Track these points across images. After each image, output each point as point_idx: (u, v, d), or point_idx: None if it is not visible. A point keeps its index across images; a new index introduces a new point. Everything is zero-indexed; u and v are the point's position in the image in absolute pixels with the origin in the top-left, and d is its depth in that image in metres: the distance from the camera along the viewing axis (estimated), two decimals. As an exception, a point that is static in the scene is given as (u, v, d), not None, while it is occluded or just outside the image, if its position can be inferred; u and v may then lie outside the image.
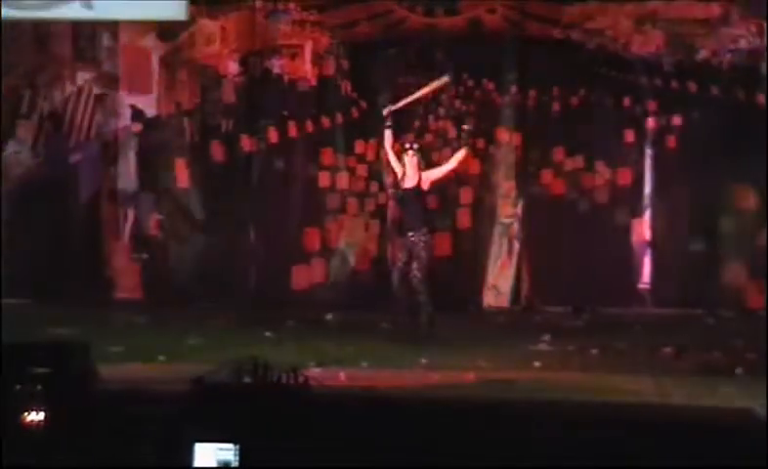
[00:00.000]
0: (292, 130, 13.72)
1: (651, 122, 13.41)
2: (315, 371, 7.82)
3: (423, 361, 9.63)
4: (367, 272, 13.63)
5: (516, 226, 13.55)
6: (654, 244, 13.42)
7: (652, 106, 13.40)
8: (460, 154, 11.49)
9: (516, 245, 13.54)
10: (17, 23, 13.91)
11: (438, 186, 11.63)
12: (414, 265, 10.82)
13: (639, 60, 13.48)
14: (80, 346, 7.05)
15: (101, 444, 6.19)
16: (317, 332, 11.45)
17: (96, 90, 14.02)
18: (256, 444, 6.05)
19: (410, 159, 11.04)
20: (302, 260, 13.62)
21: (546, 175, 13.53)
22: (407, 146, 11.22)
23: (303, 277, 13.60)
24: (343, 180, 13.67)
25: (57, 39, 14.05)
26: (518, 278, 13.52)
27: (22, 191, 14.05)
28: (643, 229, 13.45)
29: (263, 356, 6.67)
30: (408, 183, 11.01)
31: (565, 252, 13.42)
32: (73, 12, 13.57)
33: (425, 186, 11.03)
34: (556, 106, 13.53)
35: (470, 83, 13.58)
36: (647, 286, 13.39)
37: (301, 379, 6.65)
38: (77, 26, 13.95)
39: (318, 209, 13.68)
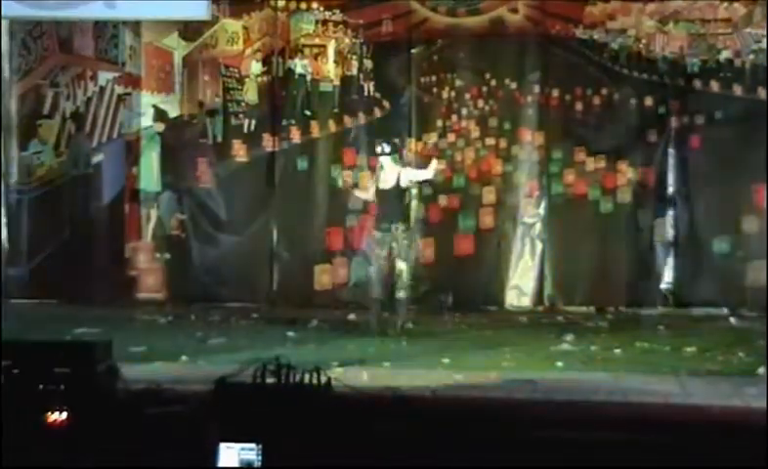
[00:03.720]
0: (315, 130, 13.76)
1: (673, 122, 13.37)
2: (337, 371, 7.82)
3: (445, 360, 9.61)
4: (390, 271, 13.61)
5: (539, 226, 13.53)
6: (677, 244, 13.36)
7: (675, 105, 13.36)
8: (435, 164, 11.64)
9: (539, 245, 13.52)
10: (38, 23, 13.99)
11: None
12: (400, 263, 11.14)
13: (662, 59, 13.45)
14: (102, 345, 7.06)
15: (123, 444, 6.20)
16: (339, 332, 11.44)
17: (118, 90, 14.07)
18: (279, 444, 6.05)
19: (386, 159, 11.25)
20: (324, 260, 13.62)
21: (569, 175, 13.52)
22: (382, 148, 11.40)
23: (325, 276, 13.60)
24: (365, 179, 13.66)
25: (79, 39, 14.10)
26: (541, 278, 13.49)
27: (45, 192, 14.10)
28: (666, 229, 13.39)
29: (286, 356, 6.66)
30: (388, 180, 11.23)
31: (587, 252, 13.39)
32: (96, 11, 13.61)
33: (403, 183, 11.28)
34: (578, 106, 13.52)
35: (493, 83, 13.60)
36: (670, 286, 13.33)
37: (324, 379, 6.64)
38: (99, 26, 14.00)
39: (340, 209, 13.68)
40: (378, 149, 11.40)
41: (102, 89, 14.08)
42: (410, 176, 11.46)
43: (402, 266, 11.18)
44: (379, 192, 11.32)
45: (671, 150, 13.37)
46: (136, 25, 13.95)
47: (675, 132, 13.36)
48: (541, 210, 13.54)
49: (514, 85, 13.60)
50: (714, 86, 13.36)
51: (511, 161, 13.62)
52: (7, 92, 14.15)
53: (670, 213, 13.39)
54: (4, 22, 13.95)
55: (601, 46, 13.53)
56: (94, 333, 10.38)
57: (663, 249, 13.38)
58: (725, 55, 13.35)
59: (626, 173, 13.43)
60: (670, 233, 13.38)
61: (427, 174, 11.56)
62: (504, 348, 10.36)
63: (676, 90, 13.38)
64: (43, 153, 14.16)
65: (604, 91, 13.49)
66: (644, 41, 13.53)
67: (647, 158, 13.43)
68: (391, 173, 11.23)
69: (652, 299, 13.24)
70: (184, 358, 9.70)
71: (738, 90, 13.26)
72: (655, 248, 13.39)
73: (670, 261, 13.36)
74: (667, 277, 13.35)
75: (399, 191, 11.25)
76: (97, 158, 14.09)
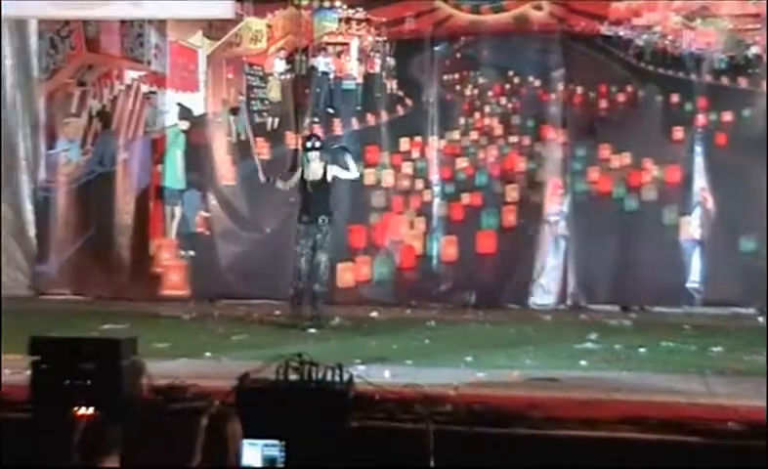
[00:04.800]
0: (337, 127, 13.77)
1: (700, 119, 13.30)
2: (359, 368, 7.83)
3: (468, 358, 9.59)
4: (412, 269, 13.63)
5: (562, 223, 13.48)
6: (703, 243, 13.28)
7: (701, 102, 13.29)
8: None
9: (563, 243, 13.47)
10: (65, 22, 14.07)
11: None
12: (321, 256, 11.44)
13: (688, 56, 13.38)
14: (127, 341, 7.09)
15: (146, 439, 6.21)
16: (362, 329, 11.45)
17: (144, 88, 14.13)
18: (302, 440, 6.06)
19: (313, 153, 11.52)
20: (347, 257, 13.62)
21: (593, 172, 13.48)
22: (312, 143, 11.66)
23: (348, 274, 13.61)
24: (388, 177, 13.68)
25: (106, 38, 14.16)
26: (564, 276, 13.44)
27: (71, 189, 14.19)
28: (692, 227, 13.32)
29: (308, 353, 6.67)
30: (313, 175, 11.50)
31: (612, 250, 13.32)
32: (122, 11, 13.67)
33: (329, 178, 11.59)
34: (603, 103, 13.48)
35: (516, 80, 13.57)
36: (696, 285, 13.25)
37: (346, 376, 6.65)
38: (126, 25, 14.07)
39: (363, 206, 13.68)
40: (308, 144, 11.65)
41: (128, 87, 14.15)
42: (335, 172, 11.69)
43: (322, 258, 11.45)
44: (305, 186, 11.51)
45: (697, 148, 13.29)
46: (161, 24, 14.01)
47: (701, 129, 13.29)
48: (565, 207, 13.50)
49: (538, 82, 13.58)
50: (742, 82, 13.29)
51: (534, 159, 13.59)
52: (35, 91, 14.26)
53: (696, 211, 13.32)
54: (32, 22, 14.06)
55: (626, 43, 13.47)
56: (119, 330, 10.45)
57: (689, 248, 13.31)
58: (753, 51, 13.27)
59: (651, 170, 13.37)
60: (696, 231, 13.31)
61: (351, 173, 11.86)
62: (527, 346, 10.34)
63: (702, 86, 13.31)
64: (70, 151, 14.24)
65: (629, 88, 13.45)
66: (670, 37, 13.46)
67: (672, 155, 13.37)
68: (317, 168, 11.46)
69: (677, 298, 13.18)
70: (207, 354, 9.74)
71: (765, 86, 13.17)
72: (680, 246, 13.32)
73: (696, 259, 13.28)
74: (693, 275, 13.27)
75: (324, 186, 11.50)
76: (122, 156, 14.16)
